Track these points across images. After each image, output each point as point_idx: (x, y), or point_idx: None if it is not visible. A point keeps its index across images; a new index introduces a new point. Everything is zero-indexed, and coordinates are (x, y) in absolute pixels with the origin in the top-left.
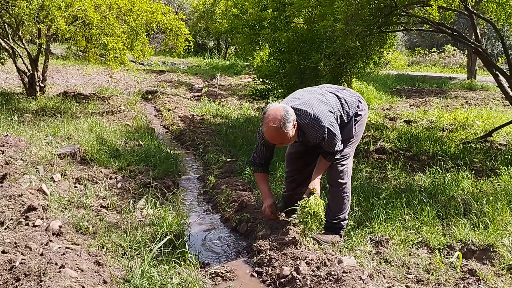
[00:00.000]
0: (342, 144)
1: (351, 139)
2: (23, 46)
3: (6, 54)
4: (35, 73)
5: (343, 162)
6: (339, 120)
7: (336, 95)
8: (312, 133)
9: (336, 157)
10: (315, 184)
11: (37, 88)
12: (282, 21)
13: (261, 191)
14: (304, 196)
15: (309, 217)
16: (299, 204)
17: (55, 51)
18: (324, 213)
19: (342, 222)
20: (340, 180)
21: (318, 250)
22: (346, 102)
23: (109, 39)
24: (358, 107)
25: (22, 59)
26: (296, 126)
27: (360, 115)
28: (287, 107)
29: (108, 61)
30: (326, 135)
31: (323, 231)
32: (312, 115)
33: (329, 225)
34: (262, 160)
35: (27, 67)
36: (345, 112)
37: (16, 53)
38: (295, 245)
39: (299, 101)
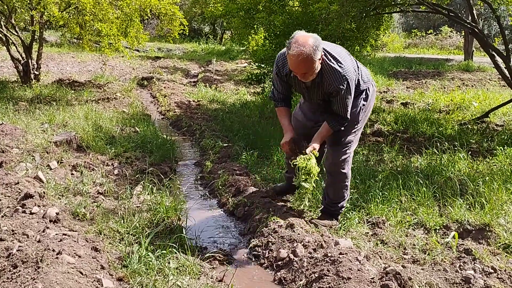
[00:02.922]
0: (350, 111)
1: (356, 125)
2: (16, 34)
3: None
4: (29, 60)
5: (346, 151)
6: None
7: (355, 61)
8: (331, 80)
9: (340, 126)
10: (315, 146)
11: (32, 76)
12: (277, 4)
13: (282, 125)
14: (304, 156)
15: (308, 179)
16: (297, 165)
17: (49, 39)
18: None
19: (340, 210)
20: (341, 170)
21: (315, 233)
22: (361, 72)
23: (103, 25)
24: (369, 89)
25: (16, 47)
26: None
27: (368, 95)
28: (317, 36)
29: (102, 47)
30: (344, 88)
31: (319, 214)
32: (339, 61)
33: (326, 210)
34: (281, 94)
35: (21, 55)
36: (358, 79)
37: (10, 40)
38: (292, 228)
39: (329, 46)
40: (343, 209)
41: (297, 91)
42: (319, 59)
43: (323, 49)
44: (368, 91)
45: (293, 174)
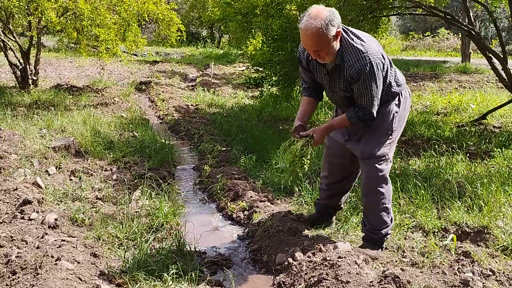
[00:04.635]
0: (375, 110)
1: (390, 136)
2: (14, 39)
3: None
4: (27, 66)
5: (381, 165)
6: (386, 80)
7: (389, 59)
8: (352, 60)
9: (360, 119)
10: (316, 130)
11: (30, 81)
12: (275, 8)
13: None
14: (299, 136)
15: (292, 161)
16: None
17: (47, 44)
18: (309, 160)
19: (384, 237)
20: (377, 188)
21: (314, 237)
22: (396, 73)
23: (101, 30)
24: (401, 94)
25: (14, 52)
26: (339, 41)
27: (401, 101)
28: (335, 10)
29: (100, 52)
30: (367, 72)
31: (362, 244)
32: (362, 39)
33: (369, 237)
34: (305, 83)
35: (19, 61)
36: (390, 80)
37: (8, 46)
38: (290, 231)
39: (356, 30)
40: (387, 236)
41: (318, 79)
42: (335, 36)
43: (346, 28)
44: (400, 96)
45: (326, 201)
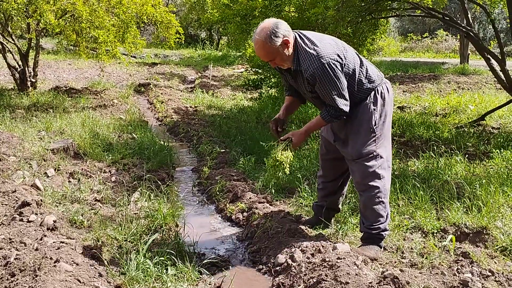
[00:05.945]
0: (345, 105)
1: (373, 133)
2: (13, 42)
3: None
4: (26, 68)
5: (370, 162)
6: (355, 78)
7: (360, 58)
8: (306, 65)
9: (333, 117)
10: (295, 133)
11: (29, 83)
12: (273, 10)
13: None
14: (279, 140)
15: (273, 165)
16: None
17: (45, 46)
18: (288, 164)
19: (382, 233)
20: (371, 183)
21: (313, 238)
22: (366, 70)
23: (100, 32)
24: (377, 91)
25: (13, 54)
26: (291, 47)
27: (377, 98)
28: (281, 21)
29: (99, 54)
30: (320, 73)
31: (361, 244)
32: (315, 44)
33: (368, 235)
34: (286, 86)
35: (17, 63)
36: (360, 78)
37: (6, 48)
38: (289, 233)
39: (313, 33)
40: (386, 232)
41: (292, 83)
42: (283, 45)
43: (302, 34)
44: (377, 93)
45: (323, 203)
